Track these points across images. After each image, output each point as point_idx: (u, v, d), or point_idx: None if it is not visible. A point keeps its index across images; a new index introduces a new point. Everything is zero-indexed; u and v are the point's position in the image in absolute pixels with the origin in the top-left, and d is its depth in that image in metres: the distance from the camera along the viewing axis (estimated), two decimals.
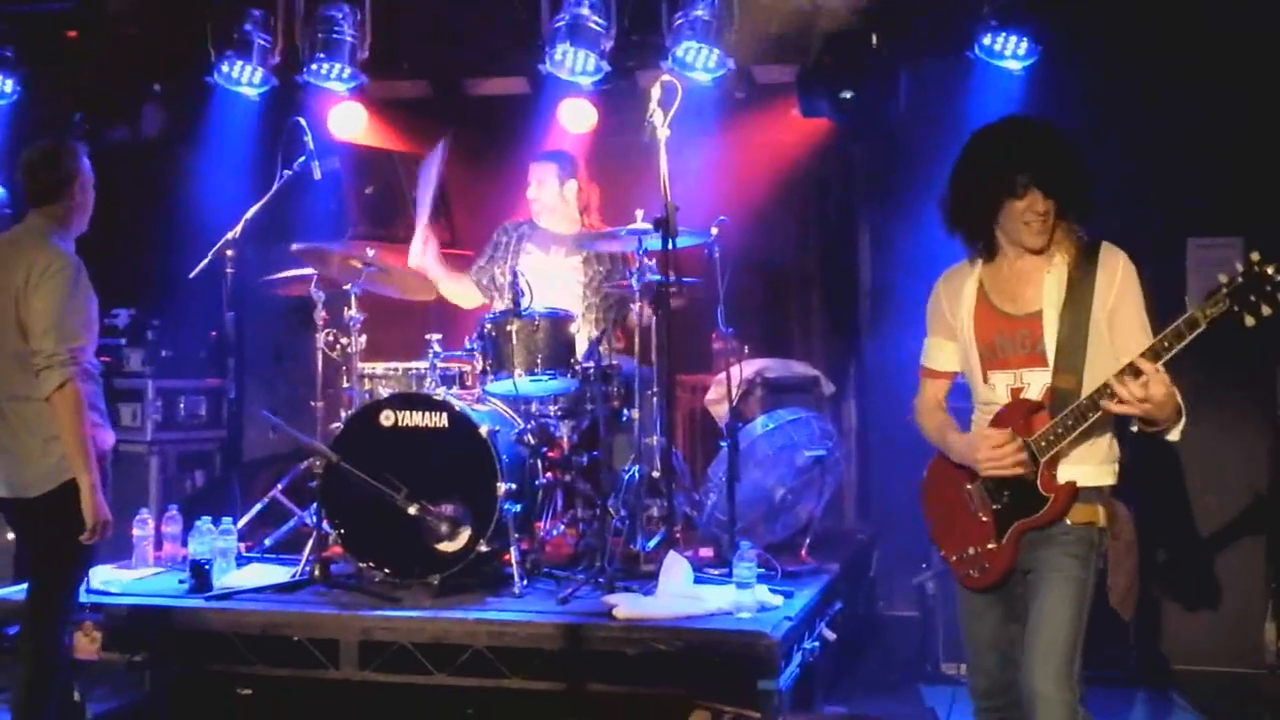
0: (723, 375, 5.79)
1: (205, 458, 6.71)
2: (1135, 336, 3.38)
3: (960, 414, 3.76)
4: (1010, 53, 6.01)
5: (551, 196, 6.23)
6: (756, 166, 7.21)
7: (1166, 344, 3.20)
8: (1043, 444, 3.41)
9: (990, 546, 3.54)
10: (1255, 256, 3.14)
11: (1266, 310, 3.12)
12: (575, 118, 7.18)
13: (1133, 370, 3.18)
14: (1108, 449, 3.51)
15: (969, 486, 3.60)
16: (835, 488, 6.22)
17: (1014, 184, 3.39)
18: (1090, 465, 3.47)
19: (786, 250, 7.50)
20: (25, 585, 4.31)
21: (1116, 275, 3.42)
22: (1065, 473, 3.44)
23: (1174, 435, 3.34)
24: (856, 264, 7.29)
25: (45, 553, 4.23)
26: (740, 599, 4.68)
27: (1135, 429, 3.36)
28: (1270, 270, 3.11)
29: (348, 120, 7.31)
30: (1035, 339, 3.46)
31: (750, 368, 6.35)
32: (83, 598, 4.59)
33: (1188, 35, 6.15)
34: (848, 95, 6.00)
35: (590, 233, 6.08)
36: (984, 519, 3.56)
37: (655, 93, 5.12)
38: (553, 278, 6.16)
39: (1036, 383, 3.46)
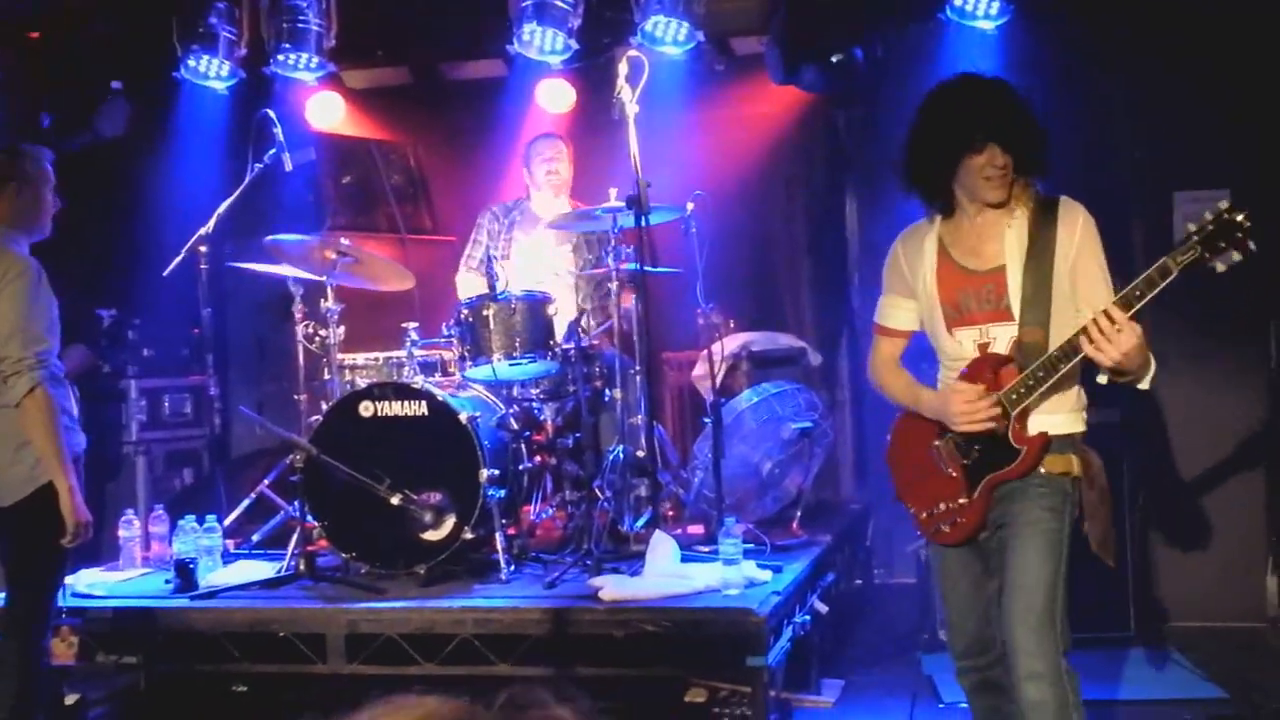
0: (708, 351, 5.74)
1: (193, 456, 6.68)
2: (1096, 287, 3.39)
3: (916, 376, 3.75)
4: (982, 13, 5.96)
5: (566, 172, 6.24)
6: (741, 138, 7.17)
7: (1139, 292, 3.20)
8: (1013, 397, 3.41)
9: (961, 501, 3.55)
10: (1224, 204, 3.16)
11: (1236, 256, 3.15)
12: (554, 98, 7.14)
13: (1106, 317, 3.18)
14: (1076, 397, 3.52)
15: (936, 443, 3.59)
16: (824, 459, 6.18)
17: (972, 139, 3.38)
18: (1061, 414, 3.48)
19: (774, 221, 7.44)
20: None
21: (1077, 228, 3.42)
22: (1036, 424, 3.44)
23: (1144, 384, 3.33)
24: (844, 232, 7.25)
25: (23, 561, 4.20)
26: (727, 576, 4.64)
27: (1105, 380, 3.33)
28: (1239, 218, 3.13)
29: (326, 110, 7.29)
30: (1000, 294, 3.45)
31: (735, 342, 6.31)
32: (65, 601, 4.57)
33: None
34: (836, 59, 5.91)
35: (566, 213, 6.03)
36: (953, 474, 3.56)
37: (622, 69, 5.07)
38: (545, 262, 6.13)
39: (1003, 337, 3.46)
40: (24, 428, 4.07)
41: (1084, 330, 3.23)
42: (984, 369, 3.46)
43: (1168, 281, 3.16)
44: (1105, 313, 3.18)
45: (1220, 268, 3.15)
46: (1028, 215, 3.47)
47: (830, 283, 7.26)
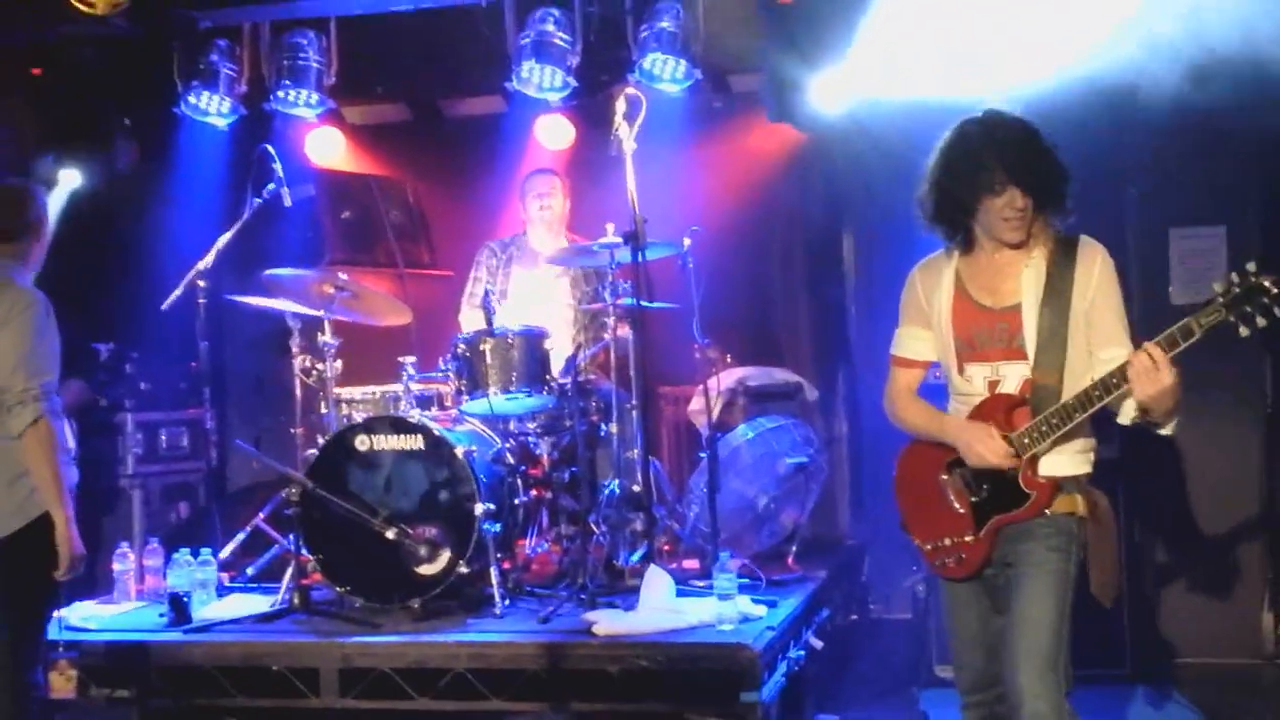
0: (704, 385, 5.75)
1: (189, 489, 6.68)
2: (1113, 329, 3.40)
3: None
4: None
5: (560, 207, 6.28)
6: (738, 174, 7.19)
7: (1162, 349, 3.20)
8: (1025, 441, 3.41)
9: (968, 538, 3.54)
10: (1251, 267, 3.14)
11: (1262, 322, 3.14)
12: (552, 134, 7.19)
13: (1148, 356, 3.19)
14: (1084, 439, 3.51)
15: (944, 477, 3.58)
16: (820, 494, 6.17)
17: (992, 181, 3.39)
18: (1068, 455, 3.47)
19: (771, 257, 7.46)
20: None
21: (1095, 269, 3.42)
22: (1046, 467, 3.44)
23: (1168, 429, 3.35)
24: (841, 268, 7.26)
25: (15, 593, 4.18)
26: (722, 611, 4.64)
27: (1129, 421, 3.33)
28: (1267, 283, 3.12)
29: (325, 146, 7.35)
30: (1014, 333, 3.46)
31: (732, 377, 6.32)
32: (59, 635, 4.55)
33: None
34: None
35: (564, 248, 6.06)
36: (961, 510, 3.55)
37: (620, 106, 5.11)
38: (544, 298, 6.14)
39: (1013, 375, 3.47)
40: (26, 459, 4.07)
41: (1126, 365, 3.22)
42: (997, 409, 3.46)
43: (1190, 343, 3.17)
44: (1148, 351, 3.18)
45: (1244, 332, 3.13)
46: (1046, 255, 3.46)
47: (827, 318, 7.27)
